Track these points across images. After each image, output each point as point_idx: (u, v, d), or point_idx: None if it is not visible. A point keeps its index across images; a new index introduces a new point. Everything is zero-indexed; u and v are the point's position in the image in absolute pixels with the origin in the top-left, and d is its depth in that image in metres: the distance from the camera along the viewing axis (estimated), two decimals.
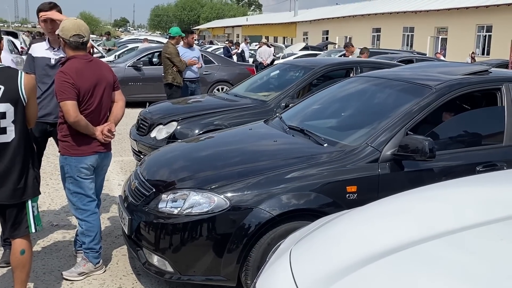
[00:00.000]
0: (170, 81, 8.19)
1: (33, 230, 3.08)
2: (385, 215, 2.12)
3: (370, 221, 2.08)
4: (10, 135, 2.90)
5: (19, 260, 3.05)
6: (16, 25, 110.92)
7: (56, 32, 3.52)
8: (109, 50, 19.56)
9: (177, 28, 8.78)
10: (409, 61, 11.78)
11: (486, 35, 27.55)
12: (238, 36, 57.04)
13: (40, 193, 3.15)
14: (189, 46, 8.67)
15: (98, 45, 21.49)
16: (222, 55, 16.39)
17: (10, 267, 3.43)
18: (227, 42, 25.34)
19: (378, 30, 36.47)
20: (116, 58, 15.39)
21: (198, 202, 3.16)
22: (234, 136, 4.44)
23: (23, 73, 2.97)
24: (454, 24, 28.89)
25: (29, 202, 3.04)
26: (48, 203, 5.09)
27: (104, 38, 23.51)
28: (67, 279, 3.56)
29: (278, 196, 3.15)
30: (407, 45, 32.72)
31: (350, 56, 11.08)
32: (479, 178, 2.75)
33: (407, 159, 3.36)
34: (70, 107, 3.31)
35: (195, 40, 8.93)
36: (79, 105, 3.37)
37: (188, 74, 8.51)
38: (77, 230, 3.75)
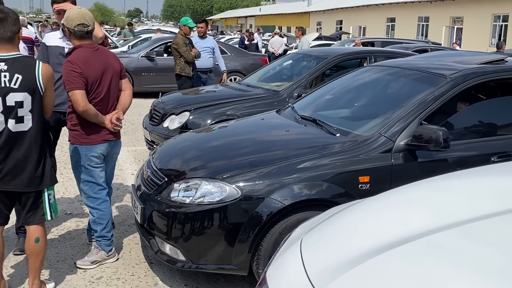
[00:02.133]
0: (178, 72, 8.20)
1: (49, 218, 3.13)
2: (397, 205, 2.10)
3: (382, 211, 2.06)
4: (27, 124, 2.93)
5: (33, 248, 3.09)
6: (31, 15, 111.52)
7: (61, 22, 3.52)
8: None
9: (186, 18, 8.75)
10: (423, 51, 11.67)
11: (502, 24, 27.13)
12: (251, 27, 56.80)
13: (57, 182, 3.18)
14: (201, 36, 8.66)
15: (112, 35, 21.56)
16: (237, 46, 16.38)
17: (24, 255, 3.47)
18: (241, 32, 24.64)
19: (392, 19, 36.09)
20: (130, 48, 15.43)
21: (210, 191, 3.16)
22: (246, 126, 4.44)
23: (40, 62, 2.99)
24: (469, 13, 28.50)
25: (45, 190, 3.07)
26: (62, 192, 5.14)
27: (126, 28, 23.50)
28: (80, 268, 3.59)
29: (290, 186, 3.14)
30: (422, 35, 32.36)
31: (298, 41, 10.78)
32: (493, 168, 2.71)
33: (421, 149, 3.33)
34: (78, 97, 3.31)
35: (208, 30, 8.92)
36: (88, 94, 3.37)
37: (201, 64, 8.50)
38: (90, 219, 3.78)
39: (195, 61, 8.27)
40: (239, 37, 23.74)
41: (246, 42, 19.84)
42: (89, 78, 3.36)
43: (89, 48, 3.45)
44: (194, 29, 8.64)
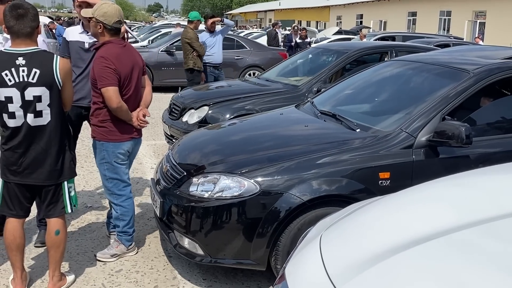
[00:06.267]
0: (191, 66, 8.24)
1: (69, 211, 3.15)
2: (419, 201, 2.07)
3: (403, 208, 2.03)
4: (46, 118, 2.95)
5: (54, 240, 3.12)
6: (53, 10, 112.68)
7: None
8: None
9: (196, 12, 8.82)
10: (445, 46, 11.50)
11: None
12: (270, 21, 56.54)
13: (76, 175, 3.21)
14: (210, 31, 8.67)
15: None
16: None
17: (45, 247, 3.51)
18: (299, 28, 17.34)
19: (413, 14, 35.63)
20: (150, 43, 15.51)
21: (229, 186, 3.16)
22: (265, 121, 4.42)
23: (58, 57, 3.00)
24: (493, 7, 27.97)
25: (65, 183, 3.10)
26: (82, 185, 5.19)
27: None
28: (100, 261, 3.62)
29: (309, 182, 3.12)
30: (444, 29, 31.89)
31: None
32: None
33: (443, 145, 3.27)
34: (112, 93, 3.28)
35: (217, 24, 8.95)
36: (120, 90, 3.34)
37: (214, 60, 8.55)
38: (109, 212, 3.80)
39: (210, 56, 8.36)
40: (286, 33, 19.31)
41: (299, 40, 15.91)
42: (122, 74, 3.33)
43: (118, 44, 3.43)
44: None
